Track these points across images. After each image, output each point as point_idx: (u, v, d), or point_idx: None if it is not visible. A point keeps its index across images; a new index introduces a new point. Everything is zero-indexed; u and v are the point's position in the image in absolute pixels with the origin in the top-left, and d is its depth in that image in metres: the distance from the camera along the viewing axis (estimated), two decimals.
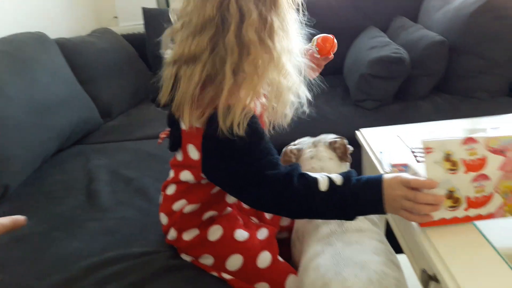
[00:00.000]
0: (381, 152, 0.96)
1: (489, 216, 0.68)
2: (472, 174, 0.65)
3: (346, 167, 0.97)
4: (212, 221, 0.93)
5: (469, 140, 0.65)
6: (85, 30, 2.35)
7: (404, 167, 0.88)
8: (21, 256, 0.99)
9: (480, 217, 0.68)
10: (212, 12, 0.71)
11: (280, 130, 0.87)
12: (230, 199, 0.96)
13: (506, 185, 0.67)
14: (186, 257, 0.94)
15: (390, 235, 0.87)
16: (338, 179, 0.72)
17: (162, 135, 1.01)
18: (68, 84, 1.78)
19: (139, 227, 1.06)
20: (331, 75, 2.32)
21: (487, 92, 1.74)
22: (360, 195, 0.69)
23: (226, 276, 0.90)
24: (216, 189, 0.90)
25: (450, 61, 1.77)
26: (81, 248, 0.99)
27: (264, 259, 0.89)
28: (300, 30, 0.82)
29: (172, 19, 0.80)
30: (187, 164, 0.86)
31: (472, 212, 0.67)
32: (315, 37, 0.99)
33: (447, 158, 0.64)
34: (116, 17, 2.76)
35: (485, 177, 0.66)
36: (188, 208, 0.92)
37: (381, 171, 0.90)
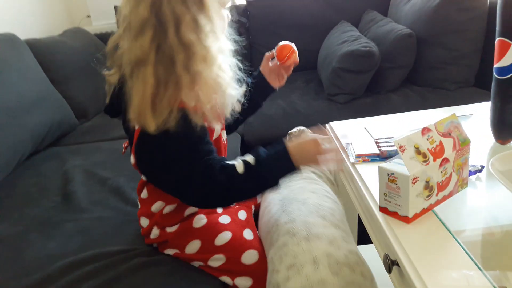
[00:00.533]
0: (347, 144, 0.99)
1: (450, 194, 0.73)
2: (439, 161, 0.68)
3: None
4: (193, 214, 0.96)
5: (425, 130, 0.69)
6: (57, 30, 2.33)
7: (370, 157, 0.91)
8: None
9: (444, 198, 0.72)
10: (146, 13, 0.73)
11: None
12: None
13: (458, 162, 0.71)
14: (170, 251, 0.95)
15: (360, 225, 0.92)
16: (251, 159, 0.82)
17: (125, 144, 1.02)
18: (41, 85, 1.77)
19: (115, 226, 1.08)
20: (306, 70, 2.36)
21: (454, 83, 1.80)
22: (273, 165, 0.81)
23: (212, 262, 0.91)
24: None
25: (418, 53, 1.82)
26: (57, 249, 1.00)
27: (249, 234, 0.95)
28: (230, 32, 0.89)
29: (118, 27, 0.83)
30: None
31: (440, 195, 0.71)
32: (277, 45, 1.02)
33: (418, 151, 0.67)
34: (89, 16, 2.73)
35: (447, 160, 0.70)
36: (167, 209, 0.94)
37: (347, 162, 0.93)
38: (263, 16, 2.39)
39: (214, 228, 0.94)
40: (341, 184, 1.11)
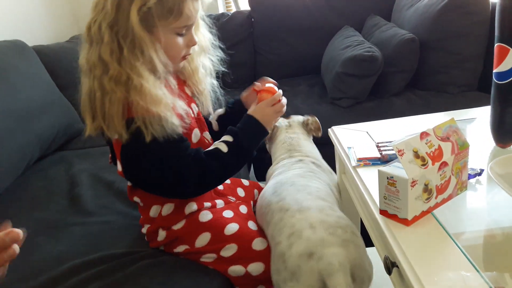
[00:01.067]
0: (349, 148, 1.01)
1: (449, 197, 0.74)
2: (437, 164, 0.70)
3: (310, 138, 1.28)
4: (196, 211, 0.99)
5: (424, 134, 0.70)
6: (64, 37, 2.36)
7: (371, 161, 0.92)
8: None
9: (444, 201, 0.73)
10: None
11: None
12: None
13: (457, 166, 0.72)
14: (180, 248, 0.97)
15: (363, 229, 0.93)
16: (228, 137, 0.94)
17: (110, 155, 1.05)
18: (48, 90, 1.80)
19: (121, 230, 1.10)
20: (310, 74, 2.38)
21: (457, 86, 1.81)
22: (247, 134, 0.95)
23: (224, 252, 0.94)
24: None
25: (421, 58, 1.83)
26: (64, 251, 1.02)
27: (253, 225, 1.01)
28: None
29: None
30: None
31: (440, 198, 0.72)
32: (263, 86, 1.05)
33: (416, 155, 0.68)
34: None
35: (445, 164, 0.71)
36: (165, 210, 0.97)
37: (349, 165, 0.94)
38: (267, 22, 2.41)
39: (220, 221, 0.98)
40: (343, 187, 1.12)
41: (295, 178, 1.02)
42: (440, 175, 0.71)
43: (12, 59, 1.67)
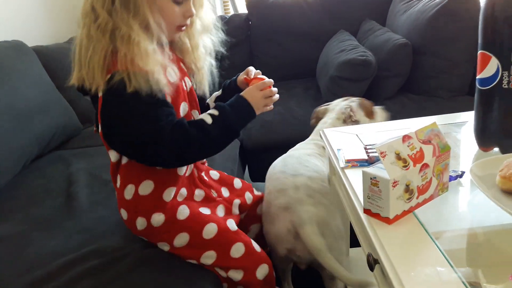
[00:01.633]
0: (338, 150, 1.04)
1: (430, 198, 0.77)
2: (418, 166, 0.73)
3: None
4: (175, 205, 0.99)
5: (406, 137, 0.73)
6: (63, 37, 2.39)
7: (358, 163, 0.96)
8: (1, 256, 1.04)
9: (425, 201, 0.76)
10: None
11: None
12: (182, 170, 1.01)
13: (438, 168, 0.76)
14: (163, 246, 0.99)
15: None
16: (215, 111, 0.93)
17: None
18: (47, 90, 1.83)
19: (114, 225, 1.12)
20: (305, 77, 2.41)
21: (449, 91, 1.84)
22: (235, 113, 0.94)
23: (204, 260, 0.96)
24: None
25: (414, 62, 1.87)
26: (59, 246, 1.05)
27: (231, 224, 1.02)
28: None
29: None
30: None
31: (421, 198, 0.75)
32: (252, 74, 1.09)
33: (398, 157, 0.72)
34: None
35: (426, 165, 0.74)
36: (141, 190, 0.96)
37: (338, 167, 0.97)
38: (264, 25, 2.45)
39: (198, 220, 0.98)
40: (333, 188, 1.15)
41: (302, 155, 1.24)
42: (421, 176, 0.74)
43: (12, 60, 1.70)
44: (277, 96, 1.03)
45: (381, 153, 0.70)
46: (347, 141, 1.10)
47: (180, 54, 1.03)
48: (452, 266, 0.61)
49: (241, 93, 0.99)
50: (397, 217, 0.73)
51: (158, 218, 0.97)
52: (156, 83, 0.83)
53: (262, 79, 1.05)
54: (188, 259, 0.98)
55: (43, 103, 1.73)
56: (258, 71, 1.10)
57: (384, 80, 1.89)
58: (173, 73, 0.92)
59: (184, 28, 0.95)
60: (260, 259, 1.01)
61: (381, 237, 0.70)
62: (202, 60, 1.03)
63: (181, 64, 1.03)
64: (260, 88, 1.00)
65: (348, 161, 0.96)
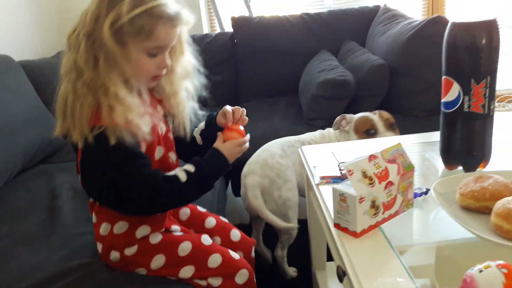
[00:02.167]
0: (314, 167, 1.09)
1: (396, 213, 0.82)
2: (384, 183, 0.78)
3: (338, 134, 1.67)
4: (147, 235, 1.01)
5: (372, 157, 0.79)
6: (50, 52, 2.42)
7: (332, 179, 1.01)
8: None
9: (391, 216, 0.81)
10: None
11: None
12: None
13: (402, 185, 0.81)
14: (141, 272, 1.00)
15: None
16: (191, 167, 0.95)
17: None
18: (33, 105, 1.85)
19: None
20: (288, 95, 2.48)
21: (424, 111, 1.92)
22: (212, 169, 0.98)
23: (183, 274, 0.98)
24: None
25: (392, 83, 1.94)
26: (41, 261, 1.06)
27: (206, 240, 1.06)
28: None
29: None
30: None
31: (386, 214, 0.80)
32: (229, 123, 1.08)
33: (364, 175, 0.77)
34: None
35: (391, 183, 0.79)
36: (116, 229, 0.99)
37: (313, 183, 1.02)
38: (249, 44, 2.52)
39: (172, 240, 1.02)
40: (310, 202, 1.20)
41: (292, 140, 1.62)
42: (387, 193, 0.79)
43: None
44: (248, 145, 1.07)
45: (349, 171, 0.76)
46: (323, 158, 1.16)
47: (159, 97, 1.05)
48: (411, 278, 0.65)
49: (219, 147, 1.01)
50: (364, 231, 0.78)
51: (131, 249, 0.99)
52: (137, 135, 0.88)
53: (241, 132, 1.07)
54: (167, 277, 1.00)
55: (28, 117, 1.76)
56: (236, 108, 1.10)
57: (362, 99, 1.96)
58: (149, 120, 0.93)
59: (159, 77, 0.97)
60: (239, 265, 1.03)
61: (349, 250, 0.75)
62: (182, 104, 1.05)
63: (158, 107, 1.04)
64: (239, 145, 1.03)
65: (322, 178, 1.01)
